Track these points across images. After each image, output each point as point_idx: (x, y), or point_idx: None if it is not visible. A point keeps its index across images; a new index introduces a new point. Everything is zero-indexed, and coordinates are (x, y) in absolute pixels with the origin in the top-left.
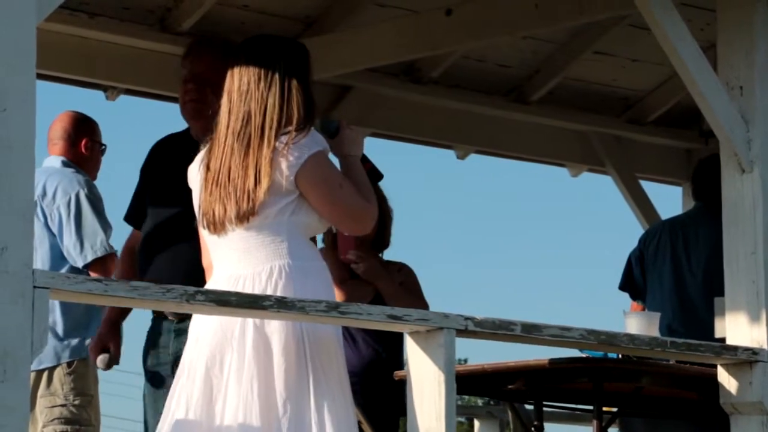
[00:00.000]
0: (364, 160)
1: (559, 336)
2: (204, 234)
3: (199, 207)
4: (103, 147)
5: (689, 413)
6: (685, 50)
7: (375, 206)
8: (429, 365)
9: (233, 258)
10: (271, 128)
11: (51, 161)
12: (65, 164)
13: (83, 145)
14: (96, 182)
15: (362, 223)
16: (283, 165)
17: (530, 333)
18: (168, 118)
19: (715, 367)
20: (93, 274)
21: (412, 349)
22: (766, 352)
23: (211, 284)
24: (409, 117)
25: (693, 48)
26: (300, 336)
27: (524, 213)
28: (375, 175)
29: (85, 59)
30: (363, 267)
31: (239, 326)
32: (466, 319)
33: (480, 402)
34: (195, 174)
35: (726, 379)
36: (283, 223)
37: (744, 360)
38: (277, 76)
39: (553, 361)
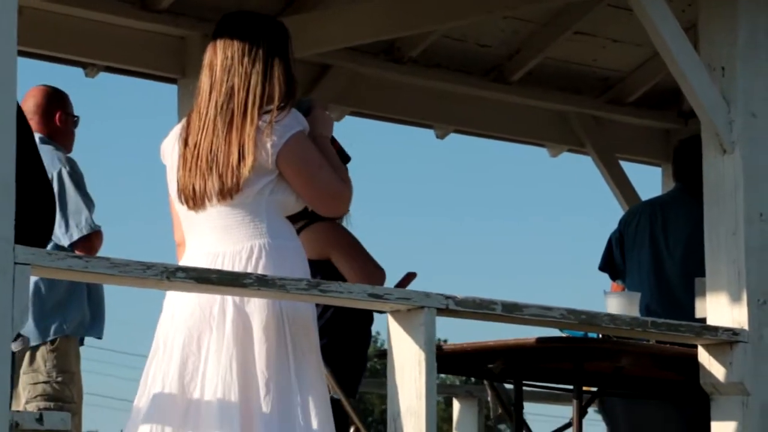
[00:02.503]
0: (332, 141)
1: (540, 315)
2: (180, 210)
3: (177, 182)
4: (76, 119)
5: (669, 393)
6: (667, 31)
7: (351, 187)
8: (410, 344)
9: (211, 235)
10: (254, 105)
11: None
12: (43, 141)
13: (57, 118)
14: (74, 157)
15: (340, 203)
16: (267, 144)
17: (511, 312)
18: (147, 96)
19: (696, 347)
20: (79, 253)
21: (392, 328)
22: (747, 333)
23: (187, 261)
24: (388, 96)
25: (675, 29)
26: (280, 315)
27: (503, 193)
28: (343, 156)
29: (64, 36)
30: None
31: (218, 305)
32: (447, 298)
33: (457, 381)
34: (170, 150)
35: (706, 360)
36: (262, 202)
37: (725, 340)
38: (261, 52)
39: (539, 340)
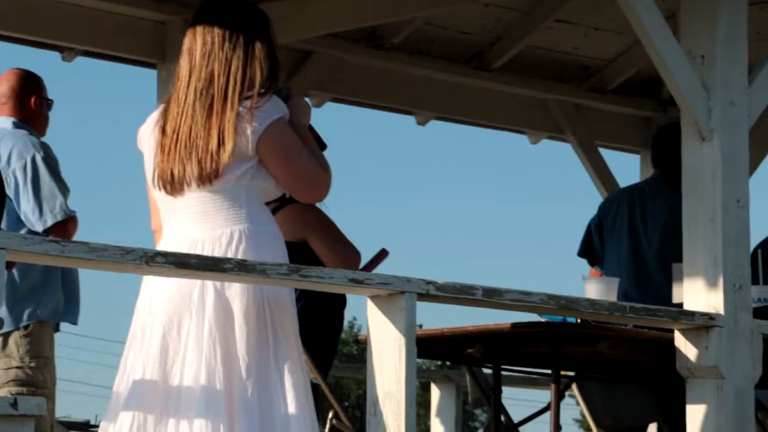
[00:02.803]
0: (309, 128)
1: (520, 300)
2: (157, 196)
3: (154, 168)
4: (50, 102)
5: (646, 377)
6: (648, 19)
7: (330, 173)
8: (390, 329)
9: (190, 221)
10: (234, 91)
11: (1, 122)
12: (17, 125)
13: (32, 102)
14: (48, 140)
15: (319, 190)
16: (247, 130)
17: (491, 297)
18: (125, 80)
19: (672, 332)
20: None
21: (372, 313)
22: (723, 318)
23: (165, 247)
24: (370, 83)
25: (656, 17)
26: (261, 299)
27: (483, 180)
28: (319, 144)
29: (42, 20)
30: None
31: (198, 291)
32: (428, 283)
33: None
34: (147, 136)
35: (683, 344)
36: (242, 188)
37: (701, 325)
38: (241, 38)
39: (514, 326)
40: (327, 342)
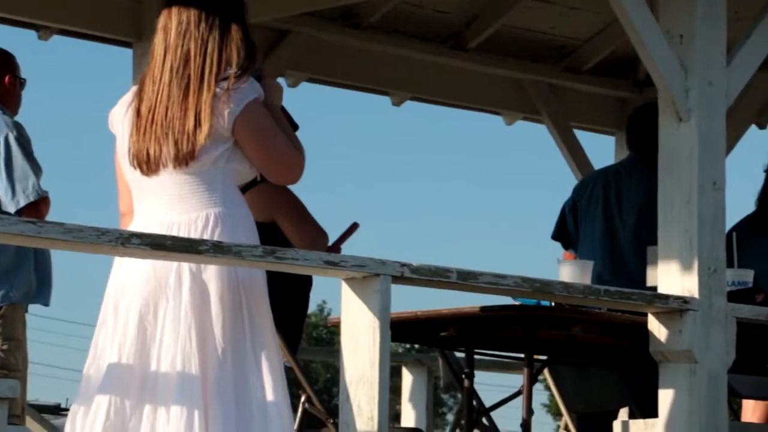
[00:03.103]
0: (282, 110)
1: (494, 283)
2: (131, 177)
3: (129, 148)
4: (23, 81)
5: (619, 361)
6: None
7: (304, 155)
8: (364, 312)
9: (164, 203)
10: (211, 72)
11: None
12: None
13: (5, 81)
14: (22, 120)
15: (294, 171)
16: (224, 111)
17: (466, 280)
18: (101, 60)
19: (646, 315)
20: None
21: (347, 296)
22: (697, 301)
23: (139, 229)
24: (346, 62)
25: None
26: (236, 283)
27: (458, 160)
28: (291, 125)
29: None
30: None
31: (174, 274)
32: (403, 265)
33: (400, 349)
34: (119, 117)
35: (656, 328)
36: (218, 171)
37: (675, 308)
38: (217, 18)
39: (486, 309)
40: (293, 323)
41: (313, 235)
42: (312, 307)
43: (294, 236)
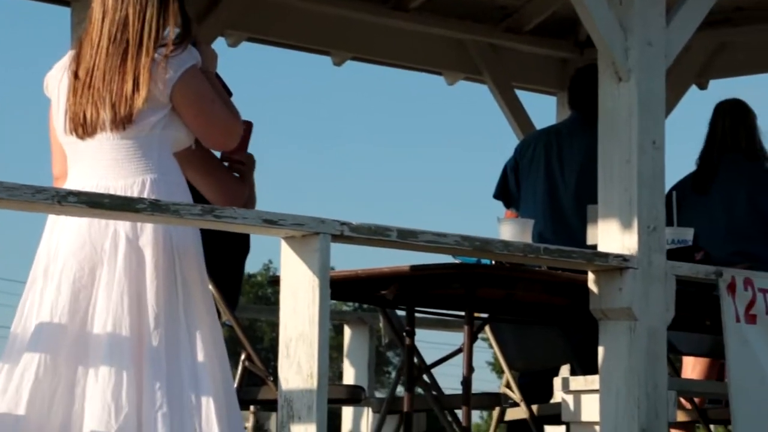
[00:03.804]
0: (216, 76)
1: (434, 242)
2: (66, 141)
3: (66, 111)
4: None
5: (559, 319)
6: None
7: (241, 121)
8: (303, 270)
9: (99, 168)
10: (149, 38)
11: None
12: None
13: None
14: None
15: (231, 137)
16: (162, 77)
17: (406, 239)
18: (38, 21)
19: (587, 273)
20: None
21: (286, 254)
22: (637, 259)
23: None
24: (285, 22)
25: None
26: (171, 249)
27: (400, 121)
28: (225, 91)
29: None
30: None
31: (110, 240)
32: (342, 224)
33: (345, 307)
34: (56, 81)
35: (596, 286)
36: (155, 137)
37: (615, 266)
38: None
39: (425, 267)
40: (231, 281)
41: (218, 185)
42: (257, 266)
43: (201, 187)
